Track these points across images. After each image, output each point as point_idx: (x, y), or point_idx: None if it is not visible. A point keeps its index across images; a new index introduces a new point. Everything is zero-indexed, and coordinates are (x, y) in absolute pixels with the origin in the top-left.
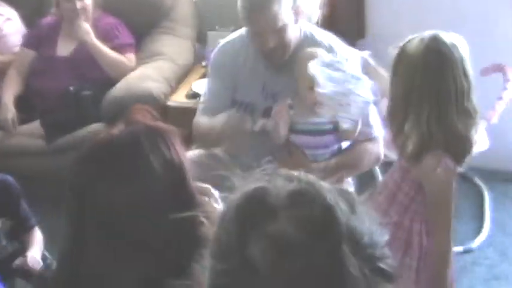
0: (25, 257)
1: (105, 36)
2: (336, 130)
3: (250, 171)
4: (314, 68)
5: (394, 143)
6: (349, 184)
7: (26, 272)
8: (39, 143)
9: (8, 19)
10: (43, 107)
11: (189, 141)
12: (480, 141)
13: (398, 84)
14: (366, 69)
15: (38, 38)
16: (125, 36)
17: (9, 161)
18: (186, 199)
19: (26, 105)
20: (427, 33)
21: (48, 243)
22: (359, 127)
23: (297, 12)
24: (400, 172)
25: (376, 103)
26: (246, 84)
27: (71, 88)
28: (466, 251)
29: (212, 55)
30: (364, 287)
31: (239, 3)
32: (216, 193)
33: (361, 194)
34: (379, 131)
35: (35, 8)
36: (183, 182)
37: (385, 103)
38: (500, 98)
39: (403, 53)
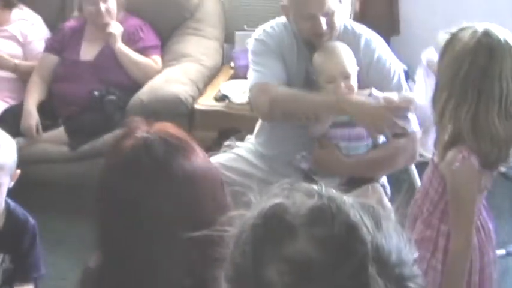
0: None
1: (130, 38)
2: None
3: (268, 185)
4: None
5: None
6: (385, 186)
7: None
8: (63, 149)
9: (33, 24)
10: (67, 113)
11: (218, 144)
12: None
13: (444, 72)
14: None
15: (61, 43)
16: (150, 38)
17: (33, 168)
18: (217, 206)
19: (49, 111)
20: (481, 25)
21: (74, 251)
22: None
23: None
24: (432, 165)
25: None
26: (290, 70)
27: (95, 93)
28: (509, 254)
29: (258, 37)
30: None
31: None
32: None
33: (398, 196)
34: (416, 127)
35: (58, 12)
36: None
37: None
38: None
39: (453, 41)
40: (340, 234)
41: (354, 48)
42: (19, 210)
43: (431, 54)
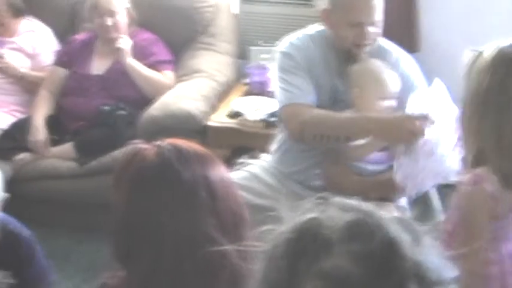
0: None
1: (141, 52)
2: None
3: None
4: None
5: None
6: (404, 208)
7: None
8: (72, 165)
9: (41, 36)
10: (75, 128)
11: (230, 162)
12: None
13: (468, 88)
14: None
15: (71, 56)
16: (162, 53)
17: (39, 183)
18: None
19: (57, 126)
20: (506, 41)
21: (81, 269)
22: None
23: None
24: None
25: None
26: (318, 83)
27: (105, 107)
28: None
29: (284, 49)
30: None
31: None
32: None
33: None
34: None
35: (68, 24)
36: (225, 205)
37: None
38: None
39: (478, 58)
40: (379, 250)
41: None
42: (11, 224)
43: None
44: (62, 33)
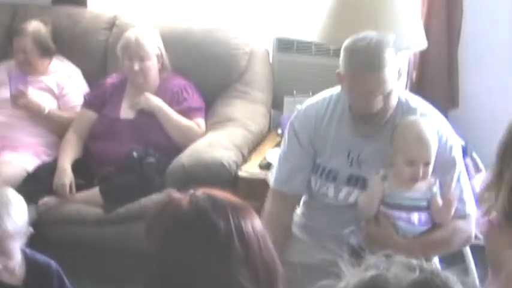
0: None
1: (173, 98)
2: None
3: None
4: None
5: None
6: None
7: None
8: (98, 211)
9: (70, 76)
10: (103, 173)
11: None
12: None
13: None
14: None
15: (101, 99)
16: (195, 100)
17: (64, 228)
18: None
19: (84, 170)
20: None
21: None
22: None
23: (399, 75)
24: None
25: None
26: (330, 149)
27: (134, 153)
28: None
29: (292, 118)
30: None
31: (346, 59)
32: None
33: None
34: (472, 208)
35: (99, 65)
36: (258, 258)
37: (478, 179)
38: None
39: None
40: None
41: None
42: (38, 256)
43: None
44: (93, 75)
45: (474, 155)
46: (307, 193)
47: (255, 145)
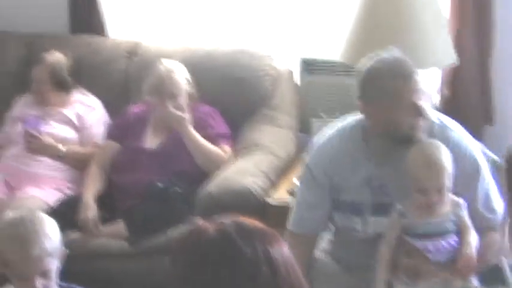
0: None
1: (199, 124)
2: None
3: None
4: None
5: None
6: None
7: None
8: (123, 244)
9: (91, 108)
10: (127, 205)
11: None
12: None
13: None
14: None
15: (124, 130)
16: (221, 126)
17: (89, 264)
18: None
19: (108, 203)
20: None
21: None
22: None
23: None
24: None
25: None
26: (349, 182)
27: (159, 184)
28: None
29: (307, 159)
30: None
31: (376, 84)
32: None
33: None
34: (503, 216)
35: (121, 96)
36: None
37: None
38: None
39: None
40: None
41: None
42: (73, 287)
43: None
44: (114, 105)
45: None
46: (333, 228)
47: (283, 171)
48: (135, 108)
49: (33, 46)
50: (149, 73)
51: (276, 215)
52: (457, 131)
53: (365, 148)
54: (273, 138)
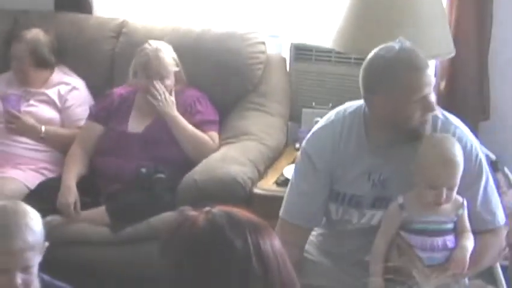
0: None
1: (186, 110)
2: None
3: None
4: None
5: None
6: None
7: None
8: (104, 231)
9: (74, 88)
10: (110, 190)
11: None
12: None
13: None
14: None
15: (108, 111)
16: (209, 112)
17: (68, 250)
18: None
19: (90, 188)
20: None
21: None
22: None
23: None
24: None
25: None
26: (349, 173)
27: (143, 169)
28: None
29: (304, 144)
30: None
31: (389, 73)
32: None
33: None
34: (502, 219)
35: (105, 77)
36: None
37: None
38: None
39: None
40: None
41: None
42: (56, 283)
43: None
44: (98, 86)
45: (506, 170)
46: (325, 221)
47: (271, 160)
48: (120, 90)
49: (16, 23)
50: (136, 53)
51: (262, 206)
52: (461, 127)
53: (366, 140)
54: (261, 126)
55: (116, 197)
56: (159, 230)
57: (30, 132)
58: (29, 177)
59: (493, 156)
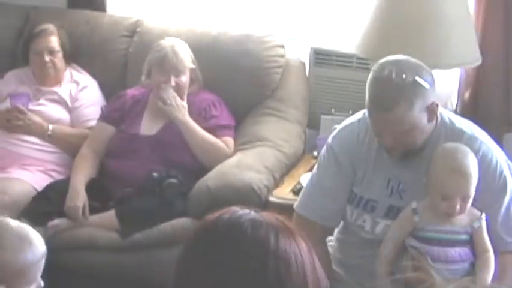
0: None
1: (200, 114)
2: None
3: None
4: None
5: None
6: None
7: None
8: (113, 236)
9: (85, 87)
10: (120, 195)
11: None
12: None
13: None
14: None
15: (120, 113)
16: (224, 116)
17: (75, 255)
18: None
19: (99, 191)
20: None
21: None
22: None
23: (431, 111)
24: None
25: None
26: (368, 177)
27: (155, 174)
28: None
29: (330, 140)
30: None
31: (366, 92)
32: None
33: None
34: None
35: (118, 77)
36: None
37: None
38: None
39: None
40: None
41: None
42: None
43: None
44: (111, 87)
45: None
46: (342, 224)
47: (288, 168)
48: (133, 91)
49: (28, 20)
50: (150, 50)
51: (278, 214)
52: (487, 142)
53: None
54: (278, 132)
55: (125, 201)
56: (169, 236)
57: (37, 130)
58: (36, 178)
59: None
